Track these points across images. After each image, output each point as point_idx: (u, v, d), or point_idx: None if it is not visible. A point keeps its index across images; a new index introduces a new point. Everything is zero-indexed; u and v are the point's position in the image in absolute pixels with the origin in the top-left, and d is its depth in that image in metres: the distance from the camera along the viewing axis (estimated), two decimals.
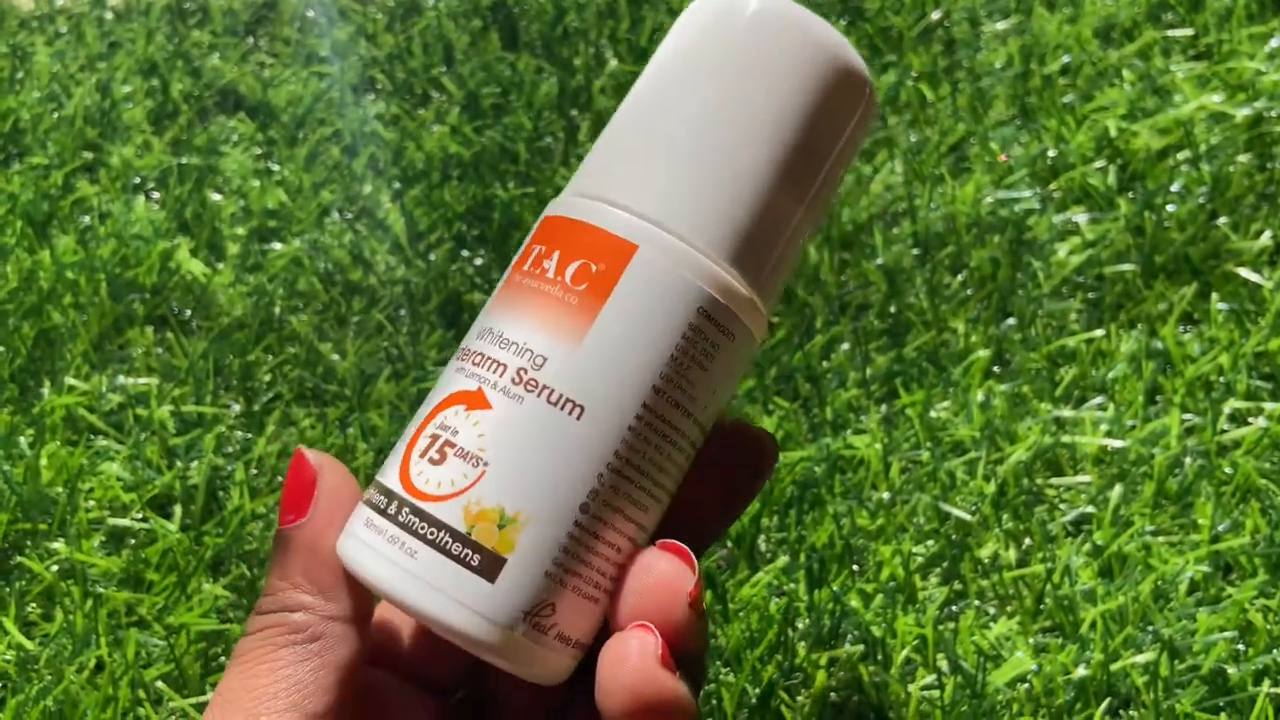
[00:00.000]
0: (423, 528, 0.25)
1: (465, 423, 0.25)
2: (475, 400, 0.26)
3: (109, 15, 1.02)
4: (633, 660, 0.24)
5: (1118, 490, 0.67)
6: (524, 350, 0.26)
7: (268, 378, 0.76)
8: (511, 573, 0.25)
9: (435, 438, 0.26)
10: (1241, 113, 0.85)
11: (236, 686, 0.25)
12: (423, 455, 0.26)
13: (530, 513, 0.25)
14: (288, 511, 0.27)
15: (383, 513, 0.26)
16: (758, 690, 0.61)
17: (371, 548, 0.26)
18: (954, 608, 0.64)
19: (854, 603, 0.64)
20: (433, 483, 0.25)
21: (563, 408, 0.25)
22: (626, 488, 0.26)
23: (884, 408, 0.73)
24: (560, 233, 0.27)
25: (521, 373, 0.25)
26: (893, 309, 0.78)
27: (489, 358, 0.26)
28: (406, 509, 0.25)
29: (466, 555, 0.25)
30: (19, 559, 0.67)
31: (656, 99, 0.28)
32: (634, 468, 0.26)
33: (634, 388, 0.26)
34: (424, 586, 0.25)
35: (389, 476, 0.27)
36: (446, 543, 0.25)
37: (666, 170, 0.27)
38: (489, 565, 0.25)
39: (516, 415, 0.25)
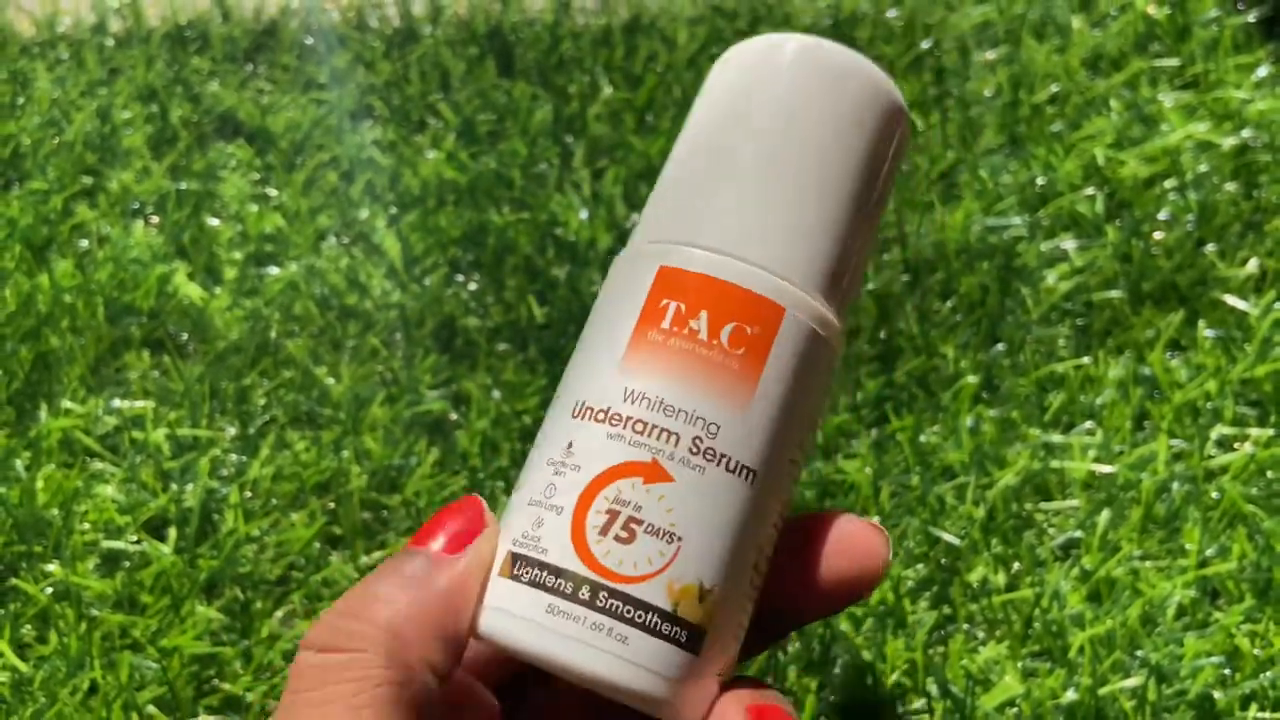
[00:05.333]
0: (629, 611, 0.25)
1: (648, 497, 0.25)
2: (652, 472, 0.25)
3: (109, 41, 1.03)
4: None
5: (1106, 515, 0.67)
6: (695, 418, 0.26)
7: (263, 401, 0.77)
8: (712, 643, 0.26)
9: (614, 514, 0.25)
10: (1228, 141, 0.86)
11: None
12: (604, 533, 0.25)
13: (722, 581, 0.26)
14: (431, 537, 0.25)
15: (572, 598, 0.25)
16: None
17: (574, 638, 0.25)
18: (943, 632, 0.65)
19: (844, 626, 0.64)
20: (628, 563, 0.25)
21: (740, 474, 0.26)
22: (775, 532, 0.27)
23: (874, 432, 0.73)
24: (696, 290, 0.27)
25: (697, 442, 0.26)
26: (883, 334, 0.78)
27: (657, 426, 0.26)
28: (605, 593, 0.25)
29: (676, 633, 0.25)
30: (14, 581, 0.67)
31: (724, 141, 0.28)
32: (781, 515, 0.27)
33: (791, 444, 0.27)
34: (639, 671, 0.25)
35: (559, 555, 0.25)
36: (656, 623, 0.25)
37: (773, 221, 0.27)
38: (694, 640, 0.25)
39: (700, 486, 0.25)
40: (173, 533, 0.69)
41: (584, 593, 0.25)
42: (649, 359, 0.26)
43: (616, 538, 0.25)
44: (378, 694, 0.23)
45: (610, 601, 0.25)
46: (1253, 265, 0.79)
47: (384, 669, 0.24)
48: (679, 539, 0.25)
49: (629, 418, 0.26)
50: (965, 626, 0.65)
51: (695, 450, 0.26)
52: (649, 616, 0.25)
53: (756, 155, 0.28)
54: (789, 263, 0.27)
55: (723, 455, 0.26)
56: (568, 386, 0.27)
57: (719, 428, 0.26)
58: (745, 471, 0.26)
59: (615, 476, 0.26)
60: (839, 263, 0.28)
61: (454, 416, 0.76)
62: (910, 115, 0.30)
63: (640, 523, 0.25)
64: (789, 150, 0.28)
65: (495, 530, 0.26)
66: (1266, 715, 0.59)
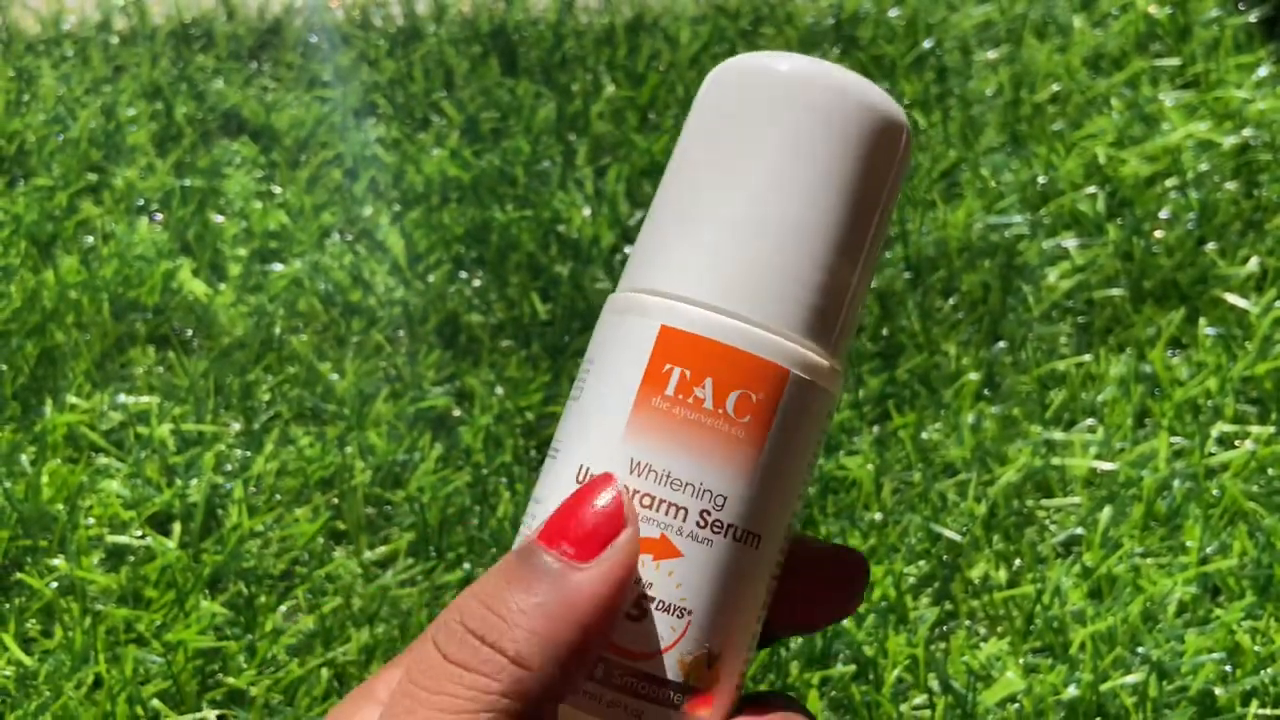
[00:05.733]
0: (643, 687, 0.26)
1: (657, 574, 0.26)
2: (661, 549, 0.26)
3: (114, 39, 1.03)
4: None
5: (1107, 512, 0.68)
6: (702, 491, 0.26)
7: (267, 397, 0.77)
8: (718, 699, 0.27)
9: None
10: (1228, 141, 0.86)
11: None
12: None
13: (729, 644, 0.27)
14: (563, 536, 0.25)
15: (588, 675, 0.26)
16: None
17: (591, 714, 0.26)
18: (945, 628, 0.65)
19: (846, 623, 0.64)
20: (640, 639, 0.26)
21: (746, 542, 0.26)
22: (775, 582, 0.28)
23: (876, 429, 0.74)
24: (701, 355, 0.27)
25: (705, 515, 0.26)
26: (885, 331, 0.79)
27: (665, 501, 0.26)
28: (619, 671, 0.26)
29: (685, 701, 0.26)
30: (19, 575, 0.68)
31: (714, 179, 0.28)
32: (781, 560, 0.28)
33: (794, 499, 0.27)
34: None
35: None
36: (668, 696, 0.26)
37: (773, 270, 0.27)
38: (702, 701, 0.26)
39: (708, 559, 0.26)
40: (177, 528, 0.70)
41: (599, 671, 0.26)
42: (654, 428, 0.27)
43: (628, 615, 0.26)
44: (490, 717, 0.24)
45: (625, 679, 0.26)
46: (1253, 264, 0.79)
47: (502, 697, 0.24)
48: (689, 613, 0.26)
49: (636, 491, 0.26)
50: (967, 623, 0.65)
51: (703, 524, 0.26)
52: (661, 690, 0.26)
53: (751, 195, 0.27)
54: (790, 316, 0.27)
55: (730, 526, 0.26)
56: (568, 444, 0.28)
57: (725, 499, 0.26)
58: (751, 538, 0.26)
59: None
60: (841, 307, 0.28)
61: (457, 412, 0.76)
62: (908, 128, 0.29)
63: (651, 599, 0.26)
64: (784, 187, 0.27)
65: (636, 531, 0.26)
66: (1267, 712, 0.60)
